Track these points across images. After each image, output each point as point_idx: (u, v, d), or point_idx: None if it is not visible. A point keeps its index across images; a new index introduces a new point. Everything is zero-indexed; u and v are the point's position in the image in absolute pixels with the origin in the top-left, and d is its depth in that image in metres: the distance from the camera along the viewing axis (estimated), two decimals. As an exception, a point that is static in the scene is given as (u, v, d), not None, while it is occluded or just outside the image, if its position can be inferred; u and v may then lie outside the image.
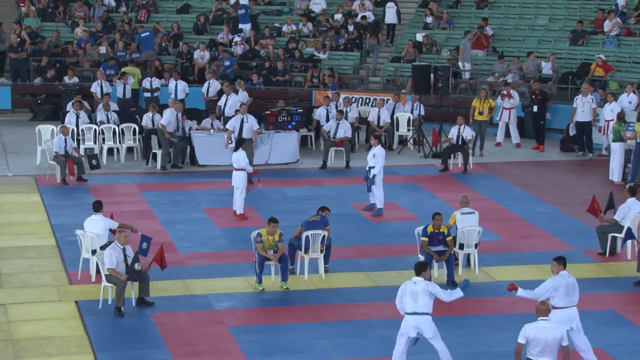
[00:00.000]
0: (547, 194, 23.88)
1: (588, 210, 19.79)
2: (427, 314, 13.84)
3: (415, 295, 13.83)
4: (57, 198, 22.97)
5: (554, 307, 13.95)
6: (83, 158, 24.96)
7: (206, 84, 29.97)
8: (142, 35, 33.56)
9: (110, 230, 17.57)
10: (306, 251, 17.87)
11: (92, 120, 27.43)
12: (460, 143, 25.83)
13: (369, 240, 20.34)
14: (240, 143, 21.75)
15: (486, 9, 35.10)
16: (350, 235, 20.42)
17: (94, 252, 17.41)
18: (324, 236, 17.85)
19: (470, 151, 26.21)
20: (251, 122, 25.36)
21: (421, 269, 14.11)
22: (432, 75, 28.13)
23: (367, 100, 30.91)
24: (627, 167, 24.84)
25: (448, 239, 17.68)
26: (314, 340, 15.35)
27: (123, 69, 30.87)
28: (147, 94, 30.11)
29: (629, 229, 18.50)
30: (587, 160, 27.41)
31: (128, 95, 30.34)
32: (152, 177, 25.08)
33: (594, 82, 29.56)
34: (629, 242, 18.84)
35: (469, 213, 18.46)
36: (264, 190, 23.24)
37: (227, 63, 32.31)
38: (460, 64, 31.97)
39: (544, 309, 12.98)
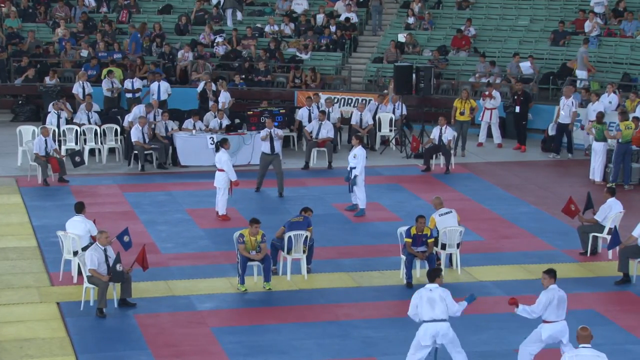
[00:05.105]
0: (529, 194, 23.94)
1: (563, 211, 19.75)
2: (445, 320, 13.60)
3: (433, 302, 13.57)
4: (39, 199, 22.88)
5: (544, 322, 13.88)
6: (64, 158, 24.87)
7: (201, 84, 29.92)
8: (138, 35, 33.53)
9: (91, 236, 17.45)
10: (289, 252, 17.87)
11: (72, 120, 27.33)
12: (441, 143, 25.90)
13: (352, 240, 20.35)
14: (222, 144, 21.71)
15: (467, 9, 35.19)
16: (333, 236, 20.43)
17: (75, 253, 17.35)
18: (306, 237, 17.86)
19: (452, 151, 26.26)
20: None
21: (435, 275, 13.82)
22: (414, 75, 28.20)
23: (350, 101, 30.93)
24: (608, 167, 24.94)
25: (429, 240, 17.69)
26: (297, 341, 15.35)
27: (105, 69, 30.76)
28: (129, 95, 30.03)
29: (615, 234, 18.29)
30: (568, 160, 27.51)
31: (116, 93, 30.27)
32: (134, 178, 25.02)
33: (574, 82, 29.64)
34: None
35: (446, 213, 18.49)
36: (246, 191, 23.23)
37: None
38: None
39: (585, 335, 12.12)
